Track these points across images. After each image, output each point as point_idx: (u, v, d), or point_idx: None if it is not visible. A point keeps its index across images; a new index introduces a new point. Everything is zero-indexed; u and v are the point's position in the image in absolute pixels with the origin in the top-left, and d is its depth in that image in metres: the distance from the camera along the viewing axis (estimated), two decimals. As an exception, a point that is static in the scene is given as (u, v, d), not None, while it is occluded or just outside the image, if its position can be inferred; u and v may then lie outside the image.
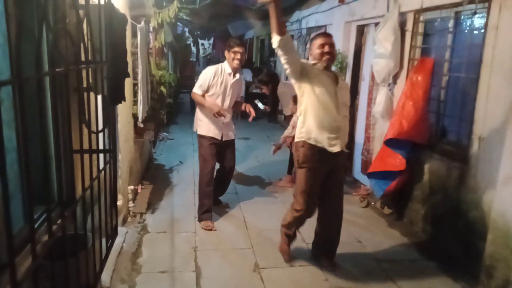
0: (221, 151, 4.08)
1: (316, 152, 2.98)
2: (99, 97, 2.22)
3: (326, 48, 3.02)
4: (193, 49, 19.18)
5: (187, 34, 16.51)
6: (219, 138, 3.99)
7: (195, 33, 16.89)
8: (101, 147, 2.24)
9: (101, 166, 2.13)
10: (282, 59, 2.86)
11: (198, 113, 4.03)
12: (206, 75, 3.87)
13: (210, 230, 3.84)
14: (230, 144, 4.17)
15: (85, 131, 2.06)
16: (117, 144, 3.51)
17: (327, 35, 3.16)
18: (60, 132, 1.93)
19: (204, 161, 3.97)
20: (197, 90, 3.89)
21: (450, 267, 3.30)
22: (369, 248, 3.66)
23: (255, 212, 4.35)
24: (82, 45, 1.92)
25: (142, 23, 3.90)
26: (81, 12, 1.90)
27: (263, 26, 11.38)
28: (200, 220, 3.96)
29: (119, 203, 2.98)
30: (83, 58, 1.95)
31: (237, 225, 4.01)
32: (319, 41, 3.05)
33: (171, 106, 6.37)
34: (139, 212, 4.07)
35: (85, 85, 2.10)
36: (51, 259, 1.78)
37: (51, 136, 2.14)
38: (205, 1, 7.21)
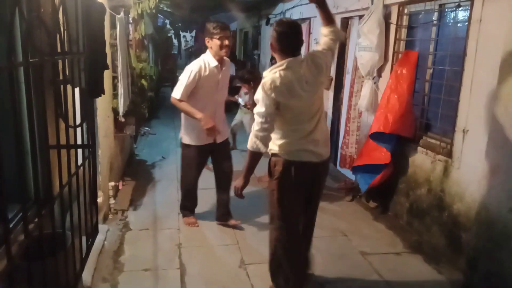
0: (214, 153, 3.61)
1: None
2: (77, 90, 2.13)
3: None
4: (175, 41, 18.93)
5: (168, 26, 16.25)
6: (212, 141, 3.49)
7: (177, 25, 16.63)
8: (79, 142, 2.14)
9: (80, 162, 2.04)
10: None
11: (187, 120, 3.44)
12: (190, 76, 3.21)
13: (193, 226, 3.73)
14: (224, 144, 3.65)
15: (62, 125, 1.97)
16: (96, 139, 3.40)
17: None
18: (36, 127, 1.83)
19: (190, 169, 3.61)
20: (180, 95, 3.21)
21: (434, 260, 3.32)
22: (355, 241, 3.65)
23: (239, 206, 4.29)
24: (58, 35, 1.83)
25: (122, 13, 3.78)
26: (56, 0, 1.81)
27: (246, 18, 11.30)
28: (183, 216, 3.84)
29: (99, 200, 2.89)
30: (59, 49, 1.85)
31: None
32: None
33: (153, 100, 6.23)
34: (120, 209, 3.97)
35: (61, 77, 2.00)
36: (29, 260, 1.69)
37: (26, 130, 2.02)
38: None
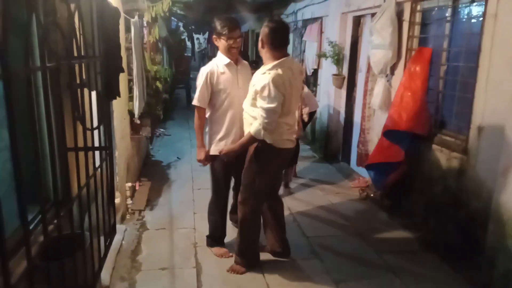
0: (238, 160, 3.05)
1: None
2: (93, 93, 2.18)
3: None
4: (188, 44, 19.07)
5: (181, 28, 16.38)
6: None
7: (190, 28, 16.77)
8: (97, 144, 2.19)
9: (98, 164, 2.09)
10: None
11: (213, 127, 3.12)
12: (202, 79, 3.00)
13: (226, 256, 3.28)
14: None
15: (80, 128, 2.02)
16: (113, 141, 3.47)
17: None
18: (54, 129, 1.88)
19: (219, 185, 3.26)
20: (196, 100, 3.03)
21: (451, 258, 3.28)
22: (370, 240, 3.64)
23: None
24: (73, 39, 1.88)
25: (136, 17, 3.84)
26: (72, 6, 1.85)
27: (257, 20, 11.32)
28: (210, 246, 3.41)
29: (117, 200, 2.94)
30: (75, 53, 1.90)
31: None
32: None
33: (167, 102, 6.30)
34: (137, 209, 4.04)
35: (78, 81, 2.05)
36: (48, 260, 1.74)
37: (44, 133, 2.09)
38: (199, -5, 7.15)
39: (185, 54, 16.40)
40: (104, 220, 2.05)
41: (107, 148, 2.01)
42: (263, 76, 2.70)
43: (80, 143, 1.95)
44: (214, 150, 3.11)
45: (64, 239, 1.66)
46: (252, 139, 2.78)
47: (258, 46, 2.84)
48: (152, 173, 5.26)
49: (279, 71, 2.65)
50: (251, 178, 2.92)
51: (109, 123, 2.03)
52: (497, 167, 2.90)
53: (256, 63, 10.82)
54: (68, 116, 1.94)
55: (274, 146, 2.79)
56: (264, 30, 2.76)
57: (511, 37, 2.82)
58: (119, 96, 2.15)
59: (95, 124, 2.10)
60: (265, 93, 2.63)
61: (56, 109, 1.84)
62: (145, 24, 4.95)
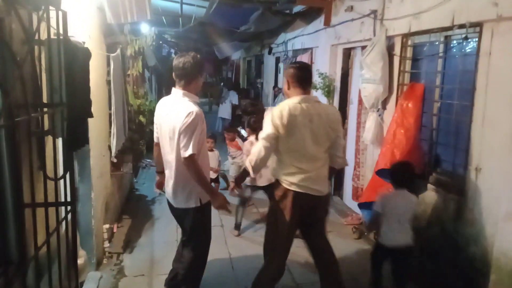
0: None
1: None
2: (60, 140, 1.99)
3: None
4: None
5: (173, 55, 16.35)
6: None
7: (182, 55, 16.71)
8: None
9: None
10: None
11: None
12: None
13: None
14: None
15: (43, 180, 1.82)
16: (90, 180, 3.25)
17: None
18: (8, 184, 1.68)
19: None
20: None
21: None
22: (364, 285, 3.41)
23: (242, 248, 4.07)
24: (37, 85, 1.71)
25: (118, 51, 3.69)
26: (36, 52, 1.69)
27: (249, 48, 11.33)
28: None
29: (80, 261, 2.69)
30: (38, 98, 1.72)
31: (223, 265, 3.72)
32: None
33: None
34: (115, 252, 3.78)
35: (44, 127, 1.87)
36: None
37: (7, 189, 1.86)
38: (188, 25, 7.10)
39: (177, 81, 16.35)
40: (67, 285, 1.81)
41: (70, 204, 1.80)
42: None
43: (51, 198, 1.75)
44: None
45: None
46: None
47: (283, 89, 2.92)
48: (135, 210, 5.01)
49: (289, 102, 2.70)
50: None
51: (72, 175, 1.83)
52: (497, 211, 2.73)
53: (247, 92, 10.73)
54: (26, 168, 1.74)
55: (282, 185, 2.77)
56: (289, 71, 2.82)
57: (507, 75, 2.71)
58: (87, 143, 1.96)
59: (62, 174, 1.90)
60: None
61: (12, 161, 1.64)
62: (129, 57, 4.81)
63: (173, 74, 2.73)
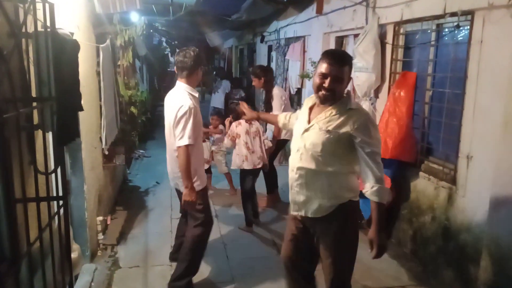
0: None
1: None
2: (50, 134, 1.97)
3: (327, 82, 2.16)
4: (171, 59, 18.90)
5: (164, 44, 16.15)
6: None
7: (173, 43, 16.60)
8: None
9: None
10: None
11: None
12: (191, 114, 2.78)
13: None
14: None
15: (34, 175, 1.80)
16: (82, 172, 3.23)
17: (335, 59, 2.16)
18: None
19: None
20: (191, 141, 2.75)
21: (442, 294, 3.12)
22: (356, 273, 3.42)
23: (237, 238, 4.09)
24: (26, 79, 1.68)
25: (108, 41, 3.63)
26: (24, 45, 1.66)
27: (241, 36, 11.23)
28: None
29: (74, 255, 2.68)
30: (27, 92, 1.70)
31: (217, 255, 3.74)
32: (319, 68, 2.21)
33: (146, 123, 6.07)
34: (110, 244, 3.77)
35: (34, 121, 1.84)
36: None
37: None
38: (179, 13, 7.01)
39: (169, 70, 16.21)
40: (61, 280, 1.81)
41: (62, 198, 1.79)
42: None
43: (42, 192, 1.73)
44: None
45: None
46: None
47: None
48: (129, 201, 4.99)
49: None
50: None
51: (63, 169, 1.81)
52: (487, 199, 2.76)
53: (239, 80, 10.67)
54: (16, 162, 1.72)
55: None
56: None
57: (498, 63, 2.71)
58: (78, 137, 1.94)
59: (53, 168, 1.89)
60: None
61: (1, 156, 1.62)
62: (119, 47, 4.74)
63: (175, 67, 3.00)
